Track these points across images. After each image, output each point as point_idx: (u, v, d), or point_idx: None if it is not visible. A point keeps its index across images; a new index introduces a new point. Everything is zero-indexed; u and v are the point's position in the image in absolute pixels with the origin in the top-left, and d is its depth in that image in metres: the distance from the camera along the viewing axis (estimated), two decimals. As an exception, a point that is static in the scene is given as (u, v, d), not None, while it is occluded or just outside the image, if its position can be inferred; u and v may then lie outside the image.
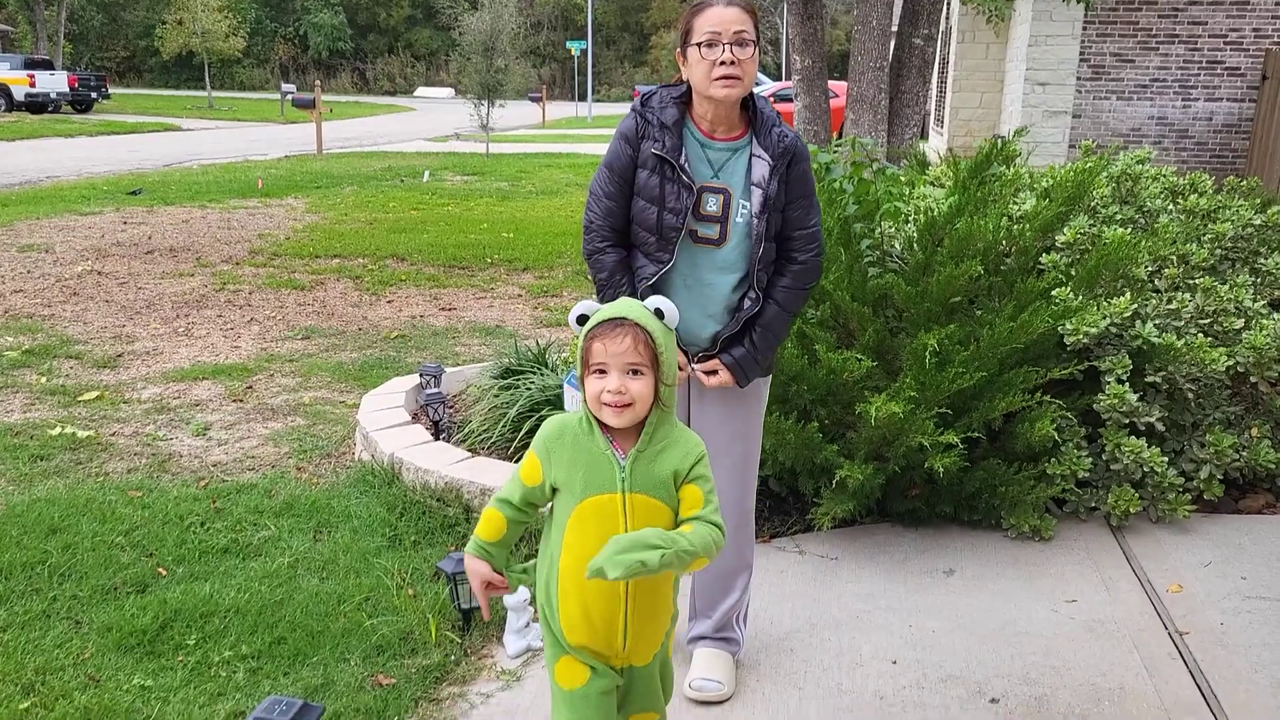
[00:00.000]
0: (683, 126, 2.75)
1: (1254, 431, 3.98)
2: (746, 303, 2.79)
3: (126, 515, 4.15)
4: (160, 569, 3.73)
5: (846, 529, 3.97)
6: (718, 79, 2.63)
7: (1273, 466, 3.96)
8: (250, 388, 6.03)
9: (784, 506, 4.09)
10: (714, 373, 2.81)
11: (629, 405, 1.99)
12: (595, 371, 2.01)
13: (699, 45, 2.64)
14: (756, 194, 2.72)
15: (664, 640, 2.20)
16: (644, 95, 2.82)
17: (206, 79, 43.63)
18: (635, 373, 1.99)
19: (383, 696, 2.95)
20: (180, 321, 7.49)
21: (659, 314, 2.06)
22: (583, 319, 2.08)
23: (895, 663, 3.10)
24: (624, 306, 2.05)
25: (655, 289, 2.77)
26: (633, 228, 2.81)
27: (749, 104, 2.77)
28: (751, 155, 2.74)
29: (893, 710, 2.87)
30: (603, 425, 2.04)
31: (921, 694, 2.95)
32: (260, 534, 4.02)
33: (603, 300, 2.90)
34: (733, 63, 2.61)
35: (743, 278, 2.78)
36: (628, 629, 2.10)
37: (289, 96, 31.51)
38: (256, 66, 61.18)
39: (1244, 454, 3.91)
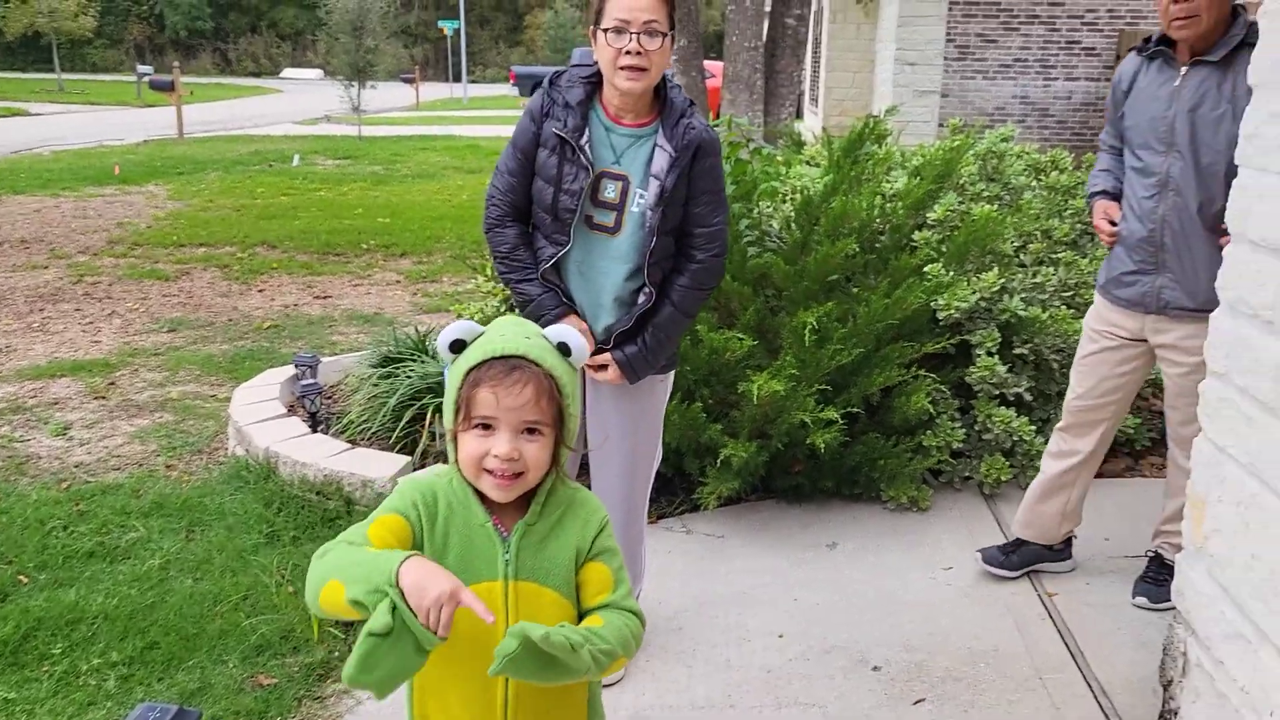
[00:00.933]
0: (589, 108, 2.67)
1: (1113, 398, 4.17)
2: (641, 297, 2.72)
3: (-20, 523, 3.92)
4: (21, 576, 3.54)
5: (732, 507, 4.01)
6: (623, 68, 2.55)
7: (1131, 432, 4.15)
8: (113, 384, 5.77)
9: (670, 487, 4.11)
10: (604, 367, 2.76)
11: (520, 476, 1.54)
12: (477, 426, 1.53)
13: (606, 31, 2.55)
14: (654, 185, 2.64)
15: None
16: (554, 74, 2.76)
17: (55, 61, 41.40)
18: (532, 432, 1.54)
19: (264, 697, 2.86)
20: (34, 316, 7.11)
21: (564, 350, 1.59)
22: (458, 345, 1.58)
23: (782, 636, 3.15)
24: (520, 339, 1.55)
25: (554, 271, 2.73)
26: (533, 207, 2.76)
27: (661, 90, 2.70)
28: (655, 145, 2.66)
29: (779, 683, 2.92)
30: (479, 493, 1.59)
31: (807, 665, 3.00)
32: (128, 536, 3.85)
33: (506, 280, 2.83)
34: (639, 53, 2.53)
35: (634, 270, 2.71)
36: None
37: (145, 79, 30.14)
38: (110, 47, 58.30)
39: (1105, 420, 4.09)
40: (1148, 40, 3.05)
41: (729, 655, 3.06)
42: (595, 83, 2.70)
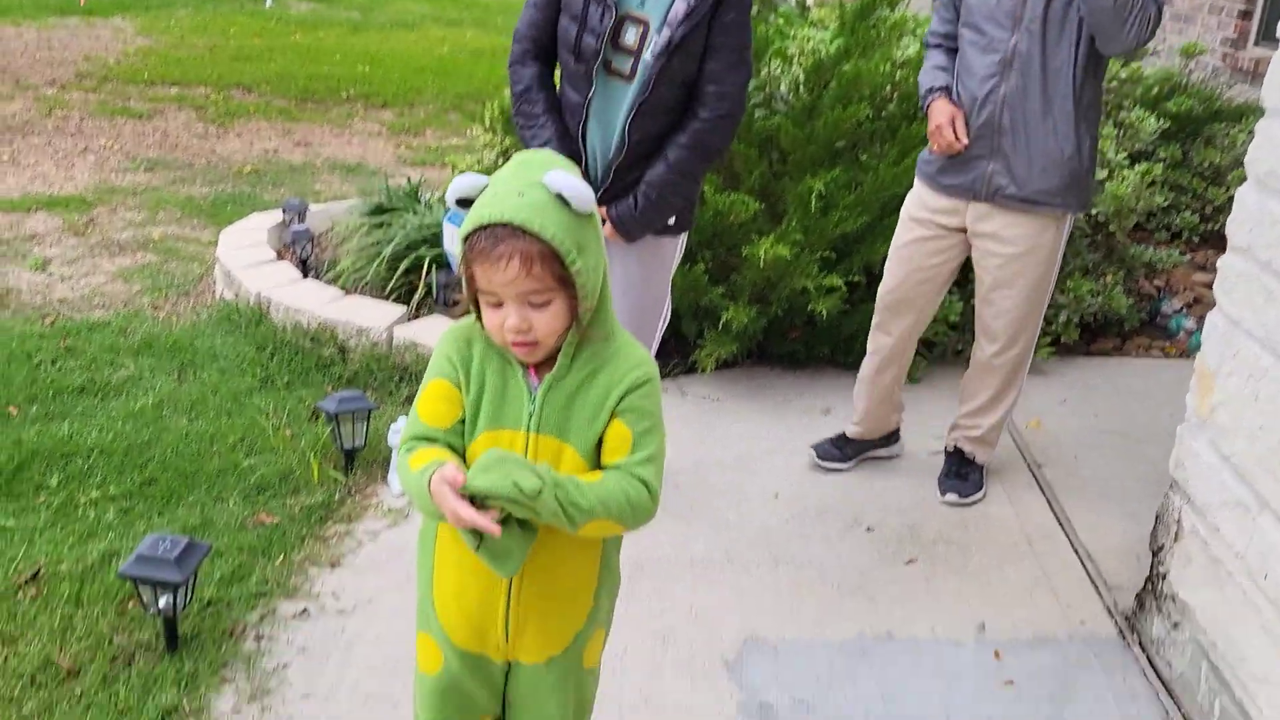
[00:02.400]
0: None
1: (1109, 278, 4.19)
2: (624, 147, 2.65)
3: (-35, 353, 3.86)
4: (11, 408, 3.50)
5: (727, 371, 4.03)
6: None
7: (1123, 311, 4.19)
8: (92, 221, 5.62)
9: (665, 349, 4.09)
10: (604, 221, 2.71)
11: (535, 344, 1.47)
12: (485, 300, 1.47)
13: None
14: (664, 33, 2.56)
15: (572, 641, 1.65)
16: None
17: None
18: (538, 305, 1.45)
19: (266, 535, 2.88)
20: (4, 148, 6.87)
21: (563, 200, 1.43)
22: (465, 204, 1.48)
23: (777, 497, 3.20)
24: (511, 198, 1.41)
25: (574, 120, 2.65)
26: (558, 49, 2.68)
27: None
28: None
29: (776, 541, 2.98)
30: None
31: (803, 526, 3.06)
32: (118, 373, 3.81)
33: (516, 123, 2.75)
34: None
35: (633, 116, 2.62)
36: (509, 615, 1.59)
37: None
38: None
39: (1099, 300, 4.12)
40: None
41: (726, 515, 3.11)
42: None
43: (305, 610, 2.60)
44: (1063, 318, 4.09)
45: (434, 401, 1.54)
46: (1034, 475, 3.33)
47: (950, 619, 2.64)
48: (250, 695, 2.29)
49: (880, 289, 3.19)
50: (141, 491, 3.06)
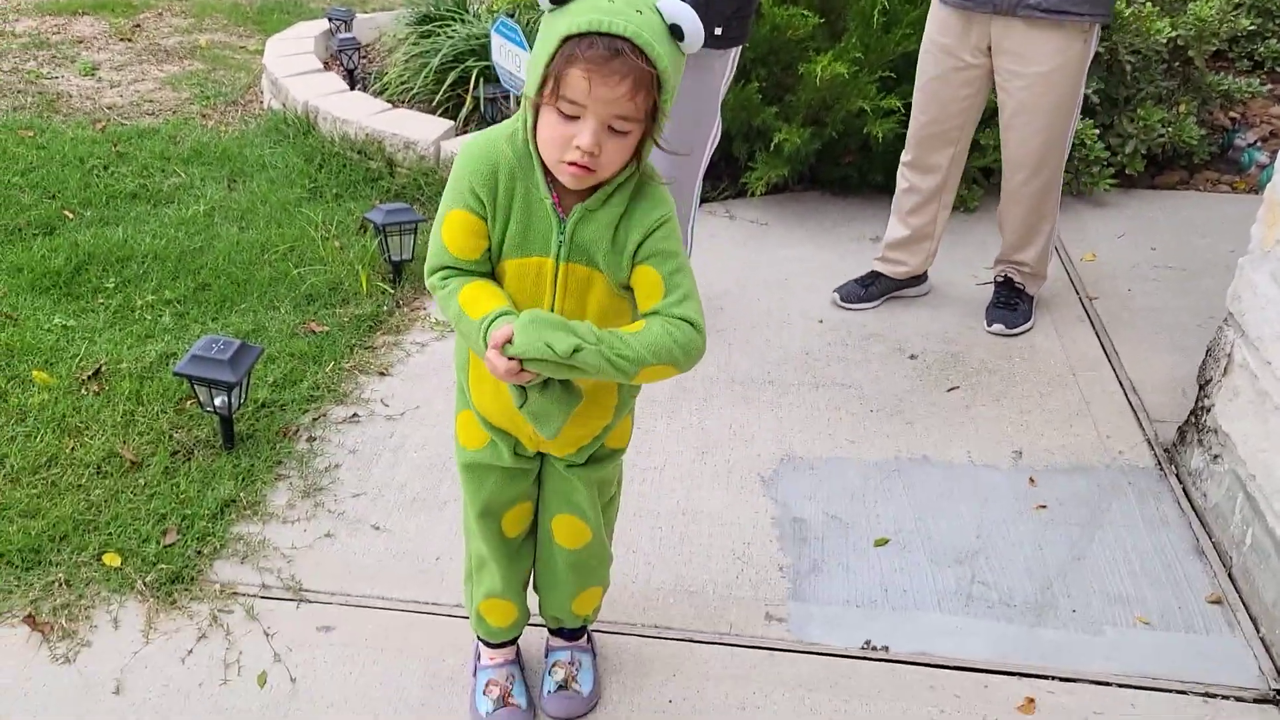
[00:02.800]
0: None
1: (1182, 108, 4.01)
2: None
3: (21, 155, 3.90)
4: (66, 211, 3.56)
5: (776, 195, 3.96)
6: None
7: (1194, 143, 4.02)
8: (138, 26, 5.56)
9: (715, 170, 4.02)
10: None
11: (593, 171, 1.39)
12: (563, 108, 1.35)
13: None
14: None
15: (600, 432, 1.66)
16: None
17: None
18: (618, 129, 1.36)
19: (316, 342, 2.94)
20: (48, -51, 6.73)
21: (676, 33, 1.35)
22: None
23: (821, 322, 3.20)
24: (631, 13, 1.31)
25: None
26: None
27: None
28: None
29: (818, 363, 2.99)
30: (545, 167, 1.44)
31: (845, 350, 3.07)
32: (170, 180, 3.83)
33: None
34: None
35: None
36: None
37: None
38: None
39: (1169, 130, 3.95)
40: None
41: (768, 336, 3.12)
42: None
43: (355, 415, 2.68)
44: (1129, 148, 3.94)
45: (459, 233, 1.48)
46: (1084, 308, 3.28)
47: (987, 445, 2.66)
48: (304, 491, 2.39)
49: (911, 124, 3.09)
50: (195, 296, 3.12)
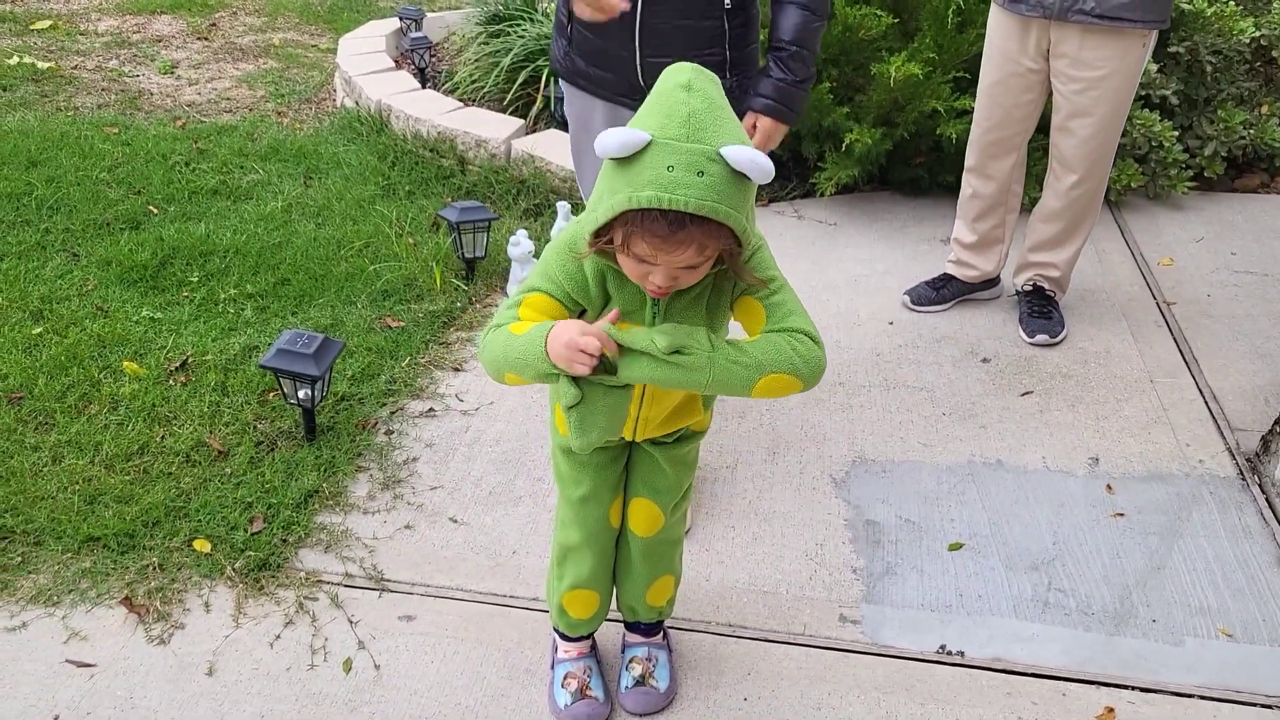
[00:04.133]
0: None
1: (1264, 109, 3.93)
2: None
3: (106, 151, 4.01)
4: (151, 206, 3.65)
5: (846, 196, 3.95)
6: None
7: (1276, 145, 3.94)
8: (214, 25, 5.68)
9: (784, 171, 4.04)
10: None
11: (672, 289, 1.41)
12: (635, 256, 1.36)
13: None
14: None
15: (686, 425, 1.70)
16: None
17: None
18: (693, 267, 1.37)
19: (393, 337, 3.00)
20: (128, -51, 6.90)
21: (741, 175, 1.30)
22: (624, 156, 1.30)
23: (892, 324, 3.19)
24: (692, 181, 1.26)
25: None
26: None
27: None
28: None
29: (888, 366, 2.98)
30: None
31: (917, 352, 3.05)
32: (248, 177, 3.92)
33: None
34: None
35: None
36: (637, 420, 1.64)
37: None
38: None
39: (1251, 132, 3.88)
40: None
41: (838, 337, 3.11)
42: None
43: (431, 409, 2.73)
44: (1208, 150, 3.87)
45: (536, 312, 1.48)
46: (1162, 313, 3.24)
47: (1063, 451, 2.64)
48: (383, 483, 2.44)
49: (973, 130, 3.07)
50: (275, 291, 3.19)
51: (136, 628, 2.03)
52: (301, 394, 2.47)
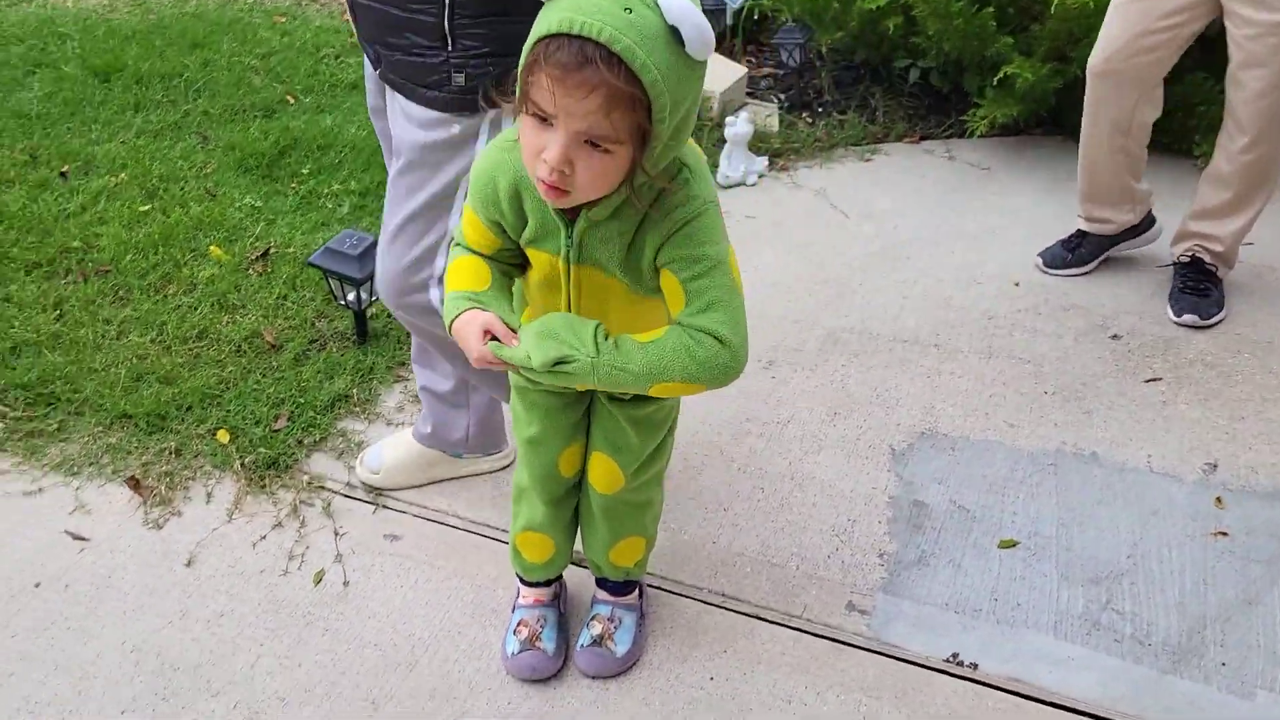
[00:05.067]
0: None
1: None
2: None
3: (266, 40, 4.11)
4: (290, 96, 3.72)
5: (1008, 139, 3.55)
6: None
7: None
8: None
9: (942, 106, 3.67)
10: None
11: (565, 193, 1.19)
12: (535, 114, 1.16)
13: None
14: None
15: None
16: None
17: None
18: (595, 146, 1.15)
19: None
20: None
21: (676, 36, 1.11)
22: None
23: (1017, 285, 2.85)
24: (616, 11, 1.09)
25: None
26: None
27: None
28: None
29: (999, 331, 2.67)
30: None
31: (1037, 320, 2.71)
32: (389, 73, 3.92)
33: None
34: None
35: None
36: None
37: None
38: None
39: None
40: None
41: (950, 293, 2.81)
42: None
43: (492, 325, 2.65)
44: None
45: (471, 229, 1.39)
46: (1351, 304, 2.74)
47: (1175, 451, 2.28)
48: (415, 396, 2.39)
49: (1092, 55, 2.61)
50: (377, 190, 3.17)
51: (138, 509, 2.08)
52: (349, 296, 2.44)
